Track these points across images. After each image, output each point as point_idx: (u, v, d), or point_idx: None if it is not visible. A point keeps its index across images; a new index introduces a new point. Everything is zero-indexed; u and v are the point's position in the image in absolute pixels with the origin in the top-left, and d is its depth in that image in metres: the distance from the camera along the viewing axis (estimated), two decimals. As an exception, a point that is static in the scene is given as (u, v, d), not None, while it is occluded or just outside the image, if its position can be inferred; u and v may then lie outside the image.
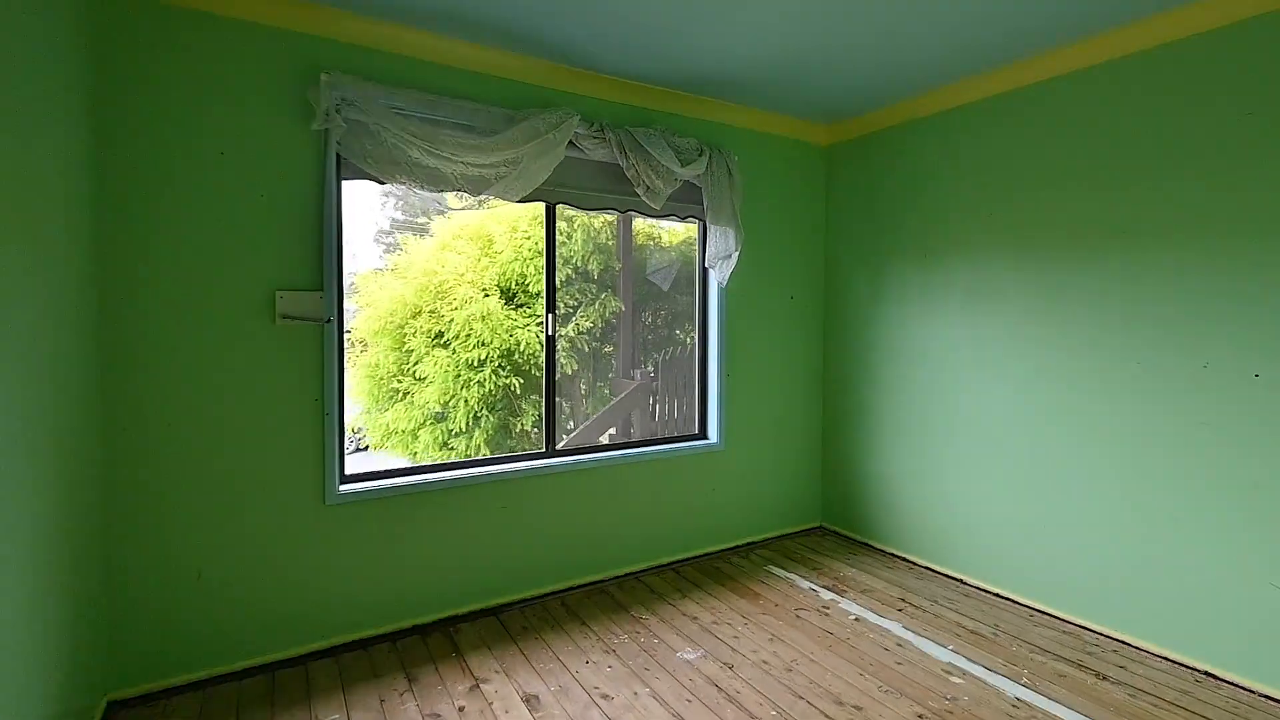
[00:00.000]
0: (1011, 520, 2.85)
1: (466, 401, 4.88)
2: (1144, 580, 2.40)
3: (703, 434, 3.59)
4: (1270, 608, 2.08)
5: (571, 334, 4.98)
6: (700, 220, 3.46)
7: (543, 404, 3.25)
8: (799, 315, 3.72)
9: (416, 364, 5.04)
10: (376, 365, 5.03)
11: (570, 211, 3.75)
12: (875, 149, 3.45)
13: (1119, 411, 2.46)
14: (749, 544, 3.62)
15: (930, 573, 3.19)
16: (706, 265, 3.31)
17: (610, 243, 5.15)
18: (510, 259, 5.02)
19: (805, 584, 3.11)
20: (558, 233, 5.43)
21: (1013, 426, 2.83)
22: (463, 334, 4.96)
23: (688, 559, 3.41)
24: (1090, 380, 2.55)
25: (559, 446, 3.22)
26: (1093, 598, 2.55)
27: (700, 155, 3.11)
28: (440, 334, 5.09)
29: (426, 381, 4.99)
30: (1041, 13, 2.27)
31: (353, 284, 5.36)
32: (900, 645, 2.53)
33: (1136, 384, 2.40)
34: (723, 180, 3.20)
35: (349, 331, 5.06)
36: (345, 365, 2.61)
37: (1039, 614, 2.74)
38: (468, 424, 4.92)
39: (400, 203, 6.14)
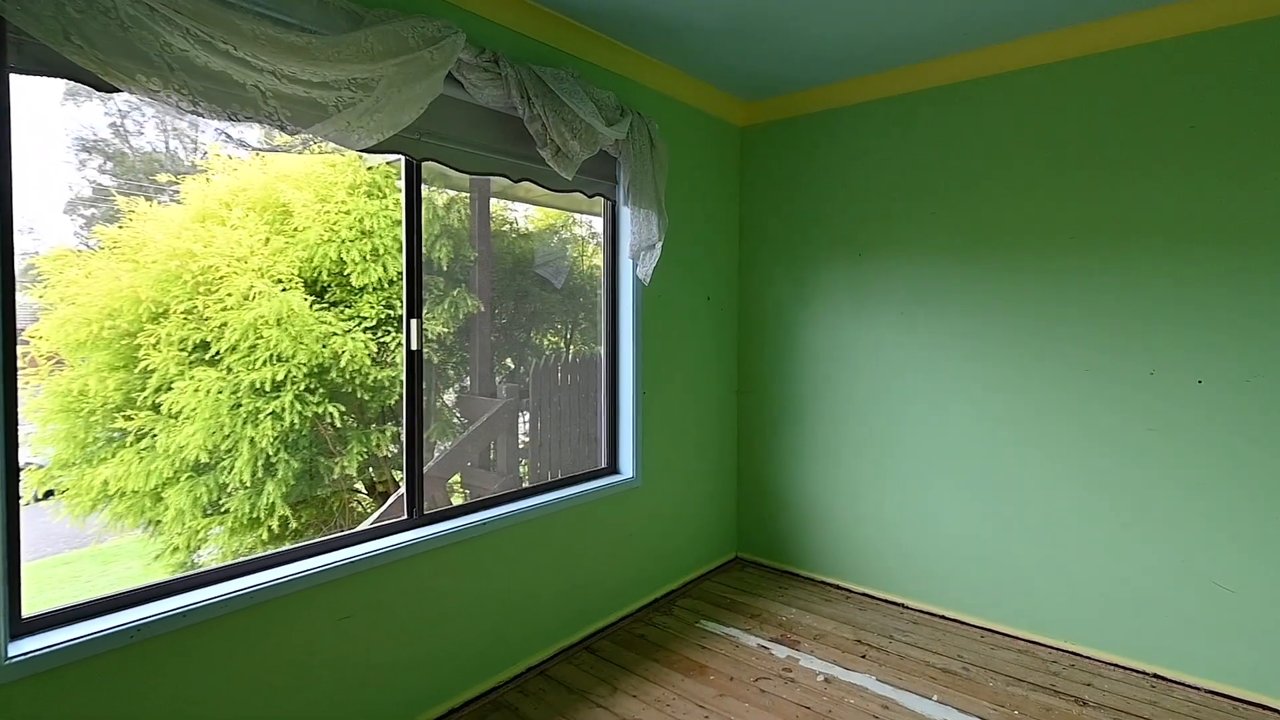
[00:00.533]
0: (956, 537, 2.71)
1: (253, 442, 3.54)
2: (1092, 589, 2.39)
3: (613, 468, 2.93)
4: (1215, 607, 2.13)
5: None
6: (610, 200, 2.78)
7: (404, 452, 2.29)
8: (716, 319, 3.25)
9: (162, 390, 3.51)
10: (82, 394, 3.39)
11: (431, 174, 2.75)
12: (799, 134, 3.11)
13: (1068, 419, 2.43)
14: (668, 594, 3.07)
15: (870, 600, 2.96)
16: (629, 257, 2.65)
17: (462, 225, 4.17)
18: (320, 239, 3.76)
19: (751, 640, 2.65)
20: (386, 209, 4.21)
21: (956, 437, 2.69)
22: (244, 345, 3.58)
23: (604, 629, 2.73)
24: (1039, 388, 2.48)
25: (430, 510, 2.31)
26: (1042, 612, 2.55)
27: (623, 116, 2.44)
28: (204, 345, 3.62)
29: (181, 416, 3.51)
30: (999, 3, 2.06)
31: (31, 268, 3.56)
32: (886, 708, 2.20)
33: (1086, 391, 2.38)
34: (645, 151, 2.56)
35: (25, 343, 3.37)
36: (17, 396, 1.43)
37: (990, 634, 2.64)
38: (254, 474, 3.57)
39: (125, 144, 4.29)
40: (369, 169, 4.06)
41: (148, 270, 3.58)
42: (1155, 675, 2.31)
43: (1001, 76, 2.54)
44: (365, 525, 3.70)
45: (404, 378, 2.27)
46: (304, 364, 3.63)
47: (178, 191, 3.97)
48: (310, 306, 3.69)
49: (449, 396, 4.43)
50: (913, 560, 2.86)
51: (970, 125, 2.63)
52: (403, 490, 4.16)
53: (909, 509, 2.86)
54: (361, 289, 3.88)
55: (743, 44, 2.56)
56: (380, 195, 4.05)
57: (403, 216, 2.22)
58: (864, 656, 2.51)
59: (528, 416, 4.15)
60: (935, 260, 2.73)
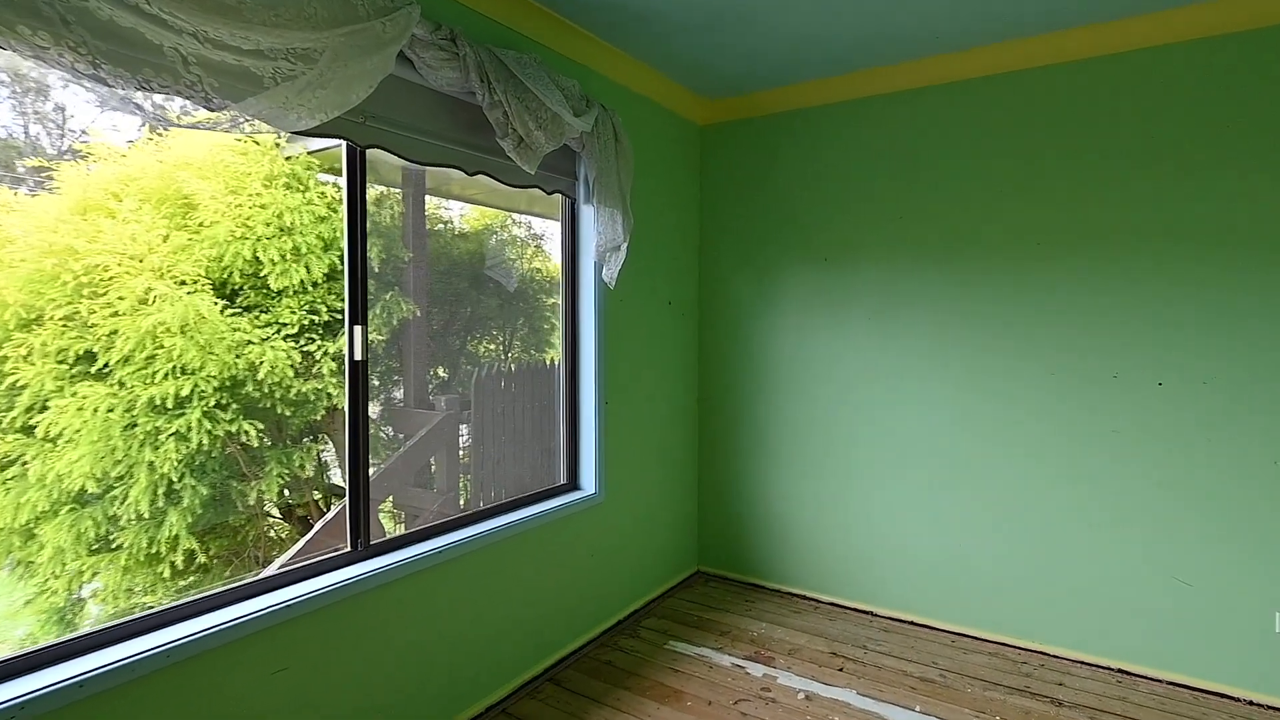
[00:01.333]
0: (922, 542, 2.77)
1: (152, 467, 3.14)
2: (1058, 589, 2.48)
3: (574, 484, 2.79)
4: (1174, 601, 2.26)
5: (345, 350, 3.60)
6: (569, 198, 2.66)
7: (346, 475, 2.07)
8: (677, 324, 3.19)
9: (35, 410, 3.07)
10: (-73, 414, 2.91)
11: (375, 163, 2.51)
12: (762, 135, 3.10)
13: (1033, 422, 2.53)
14: (633, 614, 2.96)
15: (839, 610, 2.97)
16: (595, 259, 2.53)
17: (394, 224, 3.90)
18: (231, 235, 3.40)
19: (725, 659, 2.59)
20: (309, 203, 3.89)
21: (923, 442, 2.75)
22: (140, 356, 3.19)
23: (568, 657, 2.59)
24: (1005, 392, 2.58)
25: (378, 539, 2.10)
26: (1010, 614, 2.64)
27: (589, 107, 2.33)
28: (89, 356, 3.19)
29: (62, 440, 3.08)
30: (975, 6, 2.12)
31: None
32: (871, 724, 2.16)
33: (1051, 394, 2.48)
34: (610, 146, 2.46)
35: None
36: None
37: (960, 638, 2.70)
38: (153, 503, 3.18)
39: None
40: (287, 159, 3.73)
41: (14, 271, 3.11)
42: (1120, 670, 2.42)
43: (968, 82, 2.62)
44: (288, 557, 3.37)
45: (346, 391, 2.05)
46: (214, 377, 3.27)
47: (49, 179, 3.48)
48: (221, 311, 3.33)
49: (373, 409, 4.13)
50: (880, 567, 2.89)
51: (937, 130, 2.70)
52: (330, 516, 3.83)
53: (876, 516, 2.89)
54: (281, 292, 3.54)
55: (710, 37, 2.51)
56: (301, 188, 3.72)
57: (344, 210, 2.01)
58: (841, 670, 2.49)
59: (469, 430, 3.92)
60: (902, 265, 2.78)
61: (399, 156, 2.09)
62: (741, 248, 3.21)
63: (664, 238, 3.08)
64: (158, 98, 1.46)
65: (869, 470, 2.90)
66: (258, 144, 3.51)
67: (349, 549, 2.03)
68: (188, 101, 1.49)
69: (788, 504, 3.12)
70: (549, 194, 2.59)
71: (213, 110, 1.51)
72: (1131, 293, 2.35)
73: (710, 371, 3.33)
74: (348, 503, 2.06)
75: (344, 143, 1.96)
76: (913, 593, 2.82)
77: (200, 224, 3.44)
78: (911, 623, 2.83)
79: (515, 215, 4.55)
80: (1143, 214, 2.33)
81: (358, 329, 2.02)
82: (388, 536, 2.19)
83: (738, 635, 2.78)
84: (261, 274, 3.50)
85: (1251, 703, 2.21)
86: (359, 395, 2.04)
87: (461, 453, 4.00)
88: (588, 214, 2.69)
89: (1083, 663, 2.49)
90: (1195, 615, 2.29)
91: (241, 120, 1.59)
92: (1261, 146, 2.14)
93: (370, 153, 2.00)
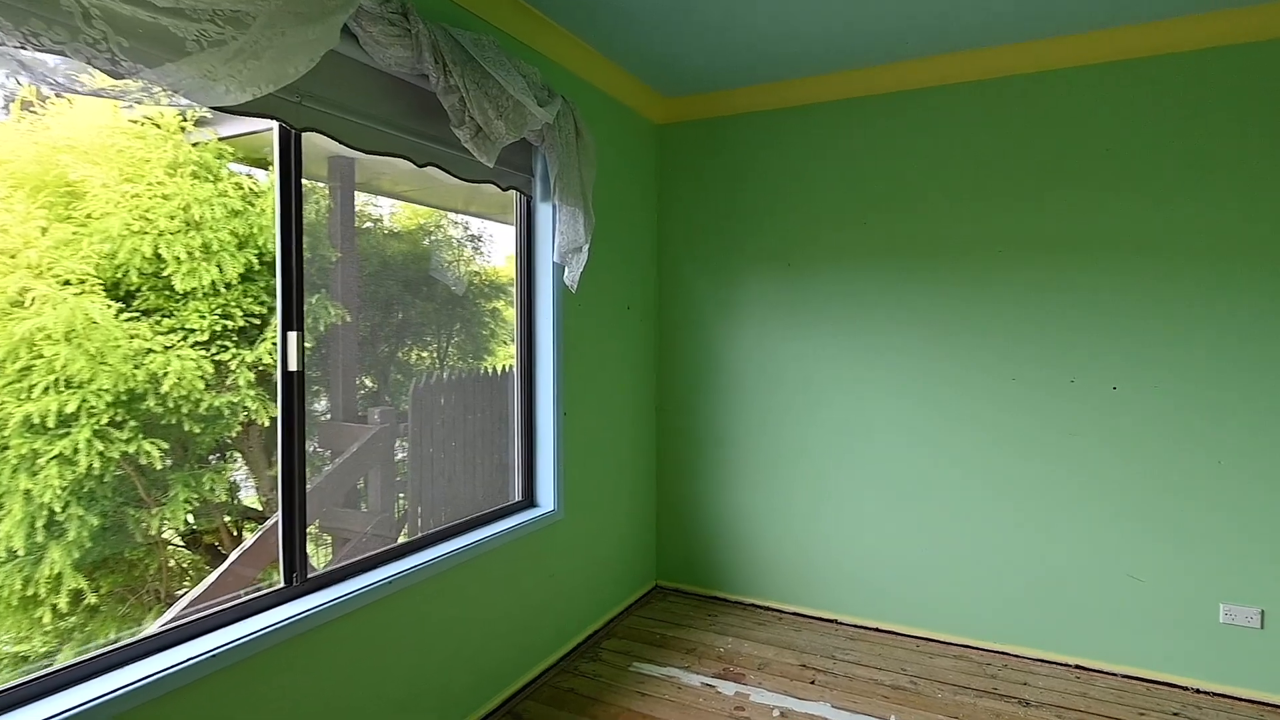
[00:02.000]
0: (885, 549, 2.81)
1: (29, 496, 2.75)
2: (1019, 589, 2.57)
3: (530, 500, 2.64)
4: (1128, 597, 2.38)
5: (265, 359, 3.28)
6: (525, 195, 2.52)
7: (280, 501, 1.84)
8: (636, 331, 3.09)
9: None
10: None
11: (323, 144, 2.24)
12: (723, 136, 3.07)
13: (994, 426, 2.61)
14: (592, 635, 2.83)
15: (803, 620, 2.96)
16: (557, 261, 2.40)
17: (319, 220, 3.59)
18: (128, 229, 3.03)
19: (694, 679, 2.51)
20: (222, 195, 3.57)
21: (885, 449, 2.79)
22: (12, 367, 2.77)
23: (527, 687, 2.45)
24: (966, 397, 2.64)
25: (319, 570, 1.88)
26: (973, 616, 2.70)
27: (551, 98, 2.20)
28: (-55, 368, 2.75)
29: (-87, 465, 2.64)
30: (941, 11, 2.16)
31: None
32: (849, 738, 2.14)
33: (1011, 399, 2.55)
34: (571, 141, 2.34)
35: None
36: None
37: (925, 642, 2.75)
38: (29, 538, 2.78)
39: None
40: (195, 145, 3.37)
41: None
42: (1078, 666, 2.52)
43: (930, 90, 2.67)
44: (199, 591, 3.03)
45: (279, 406, 1.82)
46: (107, 390, 2.88)
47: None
48: (116, 316, 2.94)
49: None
50: (844, 575, 2.90)
51: (899, 137, 2.74)
52: (249, 543, 3.49)
53: (839, 523, 2.90)
54: (188, 294, 3.18)
55: (672, 29, 2.44)
56: (212, 178, 3.37)
57: (275, 202, 1.79)
58: (813, 683, 2.46)
59: (407, 445, 3.65)
60: (866, 271, 2.81)
61: (339, 142, 1.89)
62: (701, 251, 3.16)
63: (621, 240, 2.98)
64: (49, 58, 1.22)
65: (832, 477, 2.91)
66: (159, 126, 3.15)
67: (283, 584, 1.80)
68: (88, 64, 1.26)
69: (749, 513, 3.09)
70: (504, 190, 2.44)
71: (120, 77, 1.29)
72: (1087, 301, 2.46)
73: (669, 378, 3.26)
74: (281, 531, 1.83)
75: (275, 125, 1.75)
76: (877, 599, 2.84)
77: (89, 215, 3.03)
78: (877, 629, 2.84)
79: (451, 215, 4.32)
80: (1098, 225, 2.44)
81: (292, 336, 1.81)
82: (326, 568, 1.97)
83: (704, 652, 2.71)
84: (164, 273, 3.13)
85: (1199, 691, 2.35)
86: (295, 410, 1.81)
87: (400, 470, 3.73)
88: (545, 213, 2.56)
89: (1043, 661, 2.57)
90: (1147, 610, 2.41)
91: (156, 90, 1.37)
92: (1215, 165, 2.29)
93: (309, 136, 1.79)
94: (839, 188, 2.86)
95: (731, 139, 3.07)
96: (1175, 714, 2.23)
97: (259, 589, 2.00)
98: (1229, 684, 2.31)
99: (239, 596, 1.82)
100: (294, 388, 1.81)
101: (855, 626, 2.88)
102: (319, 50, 1.56)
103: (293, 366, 1.81)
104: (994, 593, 2.64)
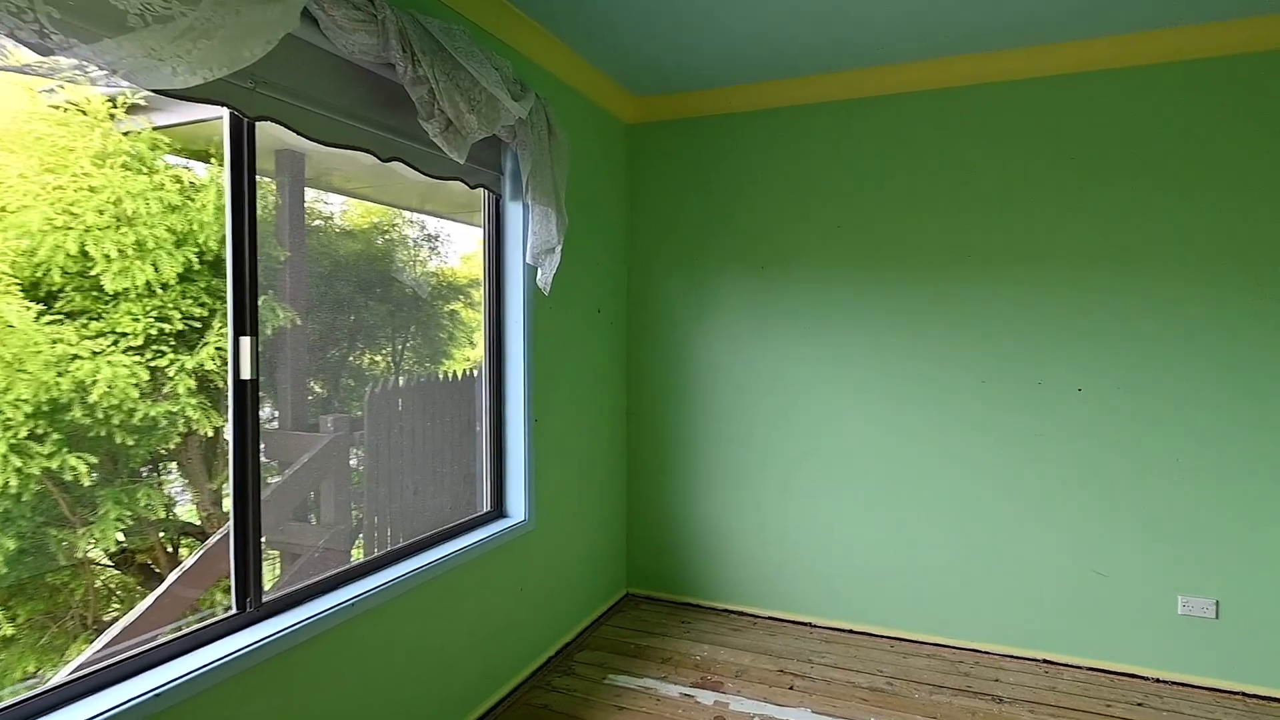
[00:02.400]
0: (858, 551, 2.84)
1: (-66, 519, 2.49)
2: (988, 587, 2.63)
3: (499, 510, 2.55)
4: (1092, 592, 2.46)
5: (208, 365, 3.07)
6: (494, 194, 2.42)
7: (234, 519, 1.71)
8: (606, 334, 3.03)
9: None
10: None
11: (285, 132, 2.06)
12: (695, 137, 3.06)
13: (965, 428, 2.67)
14: (564, 648, 2.75)
15: (778, 624, 2.95)
16: (530, 262, 2.32)
17: (267, 217, 3.39)
18: (50, 223, 2.80)
19: (672, 689, 2.46)
20: (158, 189, 3.36)
21: (858, 452, 2.82)
22: (-86, 376, 2.52)
23: (497, 706, 2.36)
24: (937, 400, 2.70)
25: (273, 595, 1.75)
26: (944, 615, 2.75)
27: (525, 93, 2.12)
28: None
29: None
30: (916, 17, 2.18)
31: None
32: (830, 743, 2.14)
33: (981, 401, 2.61)
34: (544, 138, 2.27)
35: None
36: None
37: (898, 642, 2.79)
38: (-64, 564, 2.52)
39: None
40: (126, 134, 3.13)
41: None
42: (1045, 661, 2.59)
43: (905, 96, 2.71)
44: (133, 617, 2.82)
45: (231, 416, 1.69)
46: (26, 400, 2.64)
47: None
48: (36, 319, 2.70)
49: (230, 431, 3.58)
50: (817, 578, 2.91)
51: (873, 142, 2.77)
52: (189, 563, 3.27)
53: (812, 527, 2.91)
54: (118, 295, 2.95)
55: (649, 28, 2.39)
56: (146, 170, 3.14)
57: (228, 196, 1.65)
58: (792, 688, 2.45)
59: (363, 455, 3.48)
60: (839, 275, 2.83)
61: (297, 133, 1.76)
62: (672, 254, 3.12)
63: (591, 241, 2.92)
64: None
65: (803, 480, 2.91)
66: (85, 113, 2.91)
67: (235, 609, 1.67)
68: (9, 36, 1.12)
69: (723, 517, 3.06)
70: (472, 187, 2.34)
71: (49, 52, 1.15)
72: (1053, 306, 2.54)
73: (640, 382, 3.20)
74: (233, 552, 1.69)
75: (226, 113, 1.61)
76: (850, 601, 2.86)
77: (2, 209, 2.78)
78: (851, 631, 2.86)
79: (407, 213, 4.16)
80: (1063, 233, 2.52)
81: (245, 341, 1.67)
82: (279, 589, 1.83)
83: (680, 661, 2.67)
84: (92, 272, 2.89)
85: (1159, 680, 2.45)
86: (248, 421, 1.68)
87: (355, 481, 3.55)
88: (514, 212, 2.47)
89: (1012, 656, 2.64)
90: (1109, 604, 2.50)
91: (91, 69, 1.23)
92: (1175, 175, 2.39)
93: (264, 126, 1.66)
94: (811, 192, 2.87)
95: (703, 140, 3.04)
96: (1139, 704, 2.31)
97: (209, 615, 1.85)
98: (1187, 673, 2.41)
99: (183, 626, 1.67)
100: (247, 397, 1.68)
101: (830, 629, 2.89)
102: (277, 32, 1.45)
103: (245, 374, 1.67)
104: (964, 592, 2.69)
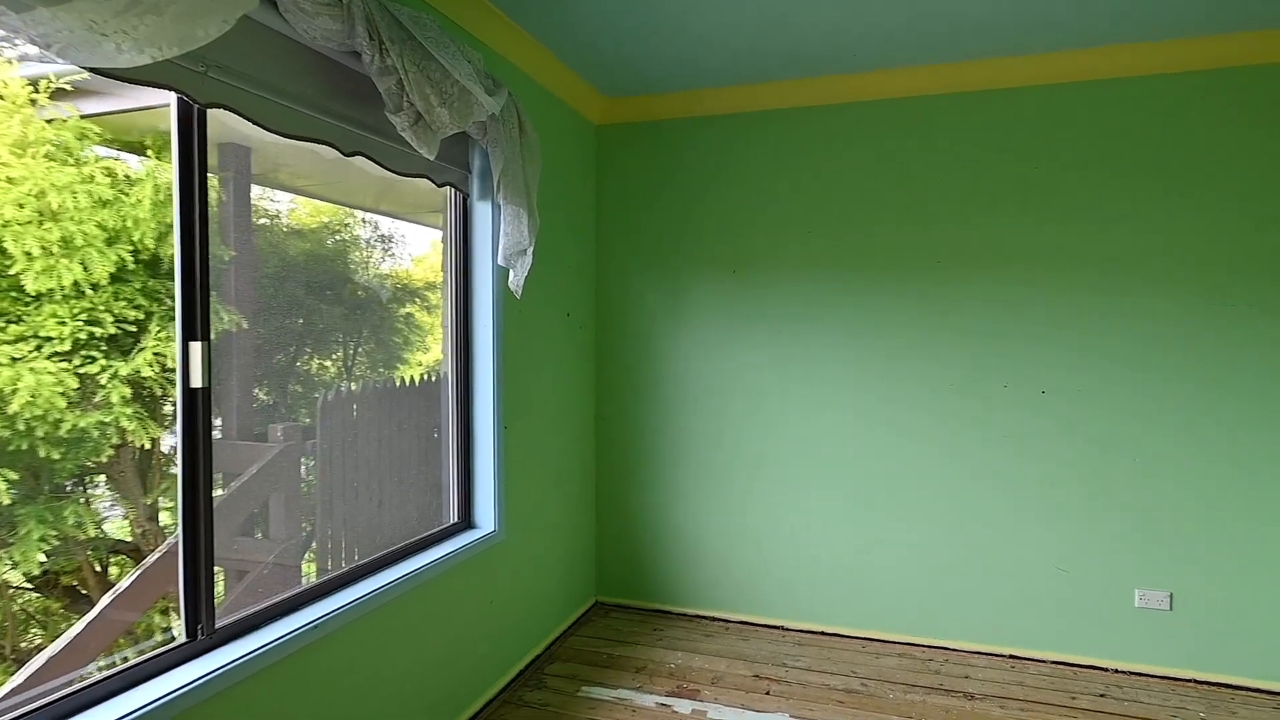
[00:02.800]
0: (828, 553, 2.88)
1: None
2: (956, 585, 2.70)
3: (467, 522, 2.46)
4: (1054, 588, 2.56)
5: (143, 372, 2.86)
6: (462, 192, 2.34)
7: (182, 539, 1.58)
8: (575, 338, 2.97)
9: None
10: None
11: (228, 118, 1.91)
12: (665, 140, 3.05)
13: (933, 431, 2.74)
14: (535, 661, 2.68)
15: (750, 628, 2.95)
16: (503, 264, 2.24)
17: (210, 215, 3.17)
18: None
19: (648, 699, 2.43)
20: (86, 181, 3.16)
21: (828, 455, 2.86)
22: None
23: (472, 727, 2.25)
24: (907, 404, 2.76)
25: (226, 620, 1.63)
26: (913, 614, 2.80)
27: (498, 88, 2.05)
28: None
29: None
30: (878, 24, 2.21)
31: None
32: (810, 749, 2.14)
33: (949, 404, 2.67)
34: (515, 135, 2.20)
35: None
36: None
37: (870, 643, 2.83)
38: None
39: None
40: (49, 121, 2.90)
41: None
42: (1012, 656, 2.66)
43: (873, 103, 2.75)
44: (57, 648, 2.61)
45: (180, 428, 1.56)
46: (-70, 413, 2.40)
47: None
48: (-60, 321, 2.46)
49: (168, 441, 3.37)
50: (788, 581, 2.92)
51: (844, 148, 2.79)
52: (125, 584, 3.08)
53: (781, 529, 2.91)
54: (40, 296, 2.72)
55: (623, 28, 2.35)
56: (74, 162, 2.92)
57: (175, 188, 1.53)
58: (769, 693, 2.44)
59: (316, 465, 3.31)
60: (811, 280, 2.85)
61: (253, 123, 1.65)
62: (642, 257, 3.08)
63: (560, 243, 2.85)
64: None
65: (774, 482, 2.92)
66: (2, 98, 2.68)
67: (186, 637, 1.54)
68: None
69: (692, 521, 3.04)
70: (439, 185, 2.25)
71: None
72: (1017, 312, 2.61)
73: (610, 386, 3.15)
74: (182, 574, 1.56)
75: (173, 99, 1.49)
76: (822, 603, 2.88)
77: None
78: (822, 633, 2.88)
79: (359, 213, 4.00)
80: (1026, 242, 2.59)
81: (196, 347, 1.55)
82: (228, 609, 1.70)
83: (655, 670, 2.62)
84: (12, 271, 2.66)
85: (1118, 671, 2.55)
86: (199, 432, 1.56)
87: (308, 493, 3.38)
88: (483, 212, 2.39)
89: (980, 653, 2.70)
90: (1071, 599, 2.59)
91: (19, 41, 1.11)
92: (1138, 186, 2.48)
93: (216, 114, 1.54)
94: (783, 197, 2.88)
95: (672, 143, 3.02)
96: (1102, 695, 2.40)
97: (148, 641, 1.71)
98: (1145, 663, 2.52)
99: (119, 653, 1.53)
100: (198, 406, 1.55)
101: (802, 632, 2.90)
102: (234, 13, 1.34)
103: (196, 382, 1.55)
104: (933, 591, 2.74)
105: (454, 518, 2.47)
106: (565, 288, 2.90)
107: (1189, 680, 2.48)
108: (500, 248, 2.24)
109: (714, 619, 3.04)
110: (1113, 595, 2.54)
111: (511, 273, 2.29)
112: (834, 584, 2.86)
